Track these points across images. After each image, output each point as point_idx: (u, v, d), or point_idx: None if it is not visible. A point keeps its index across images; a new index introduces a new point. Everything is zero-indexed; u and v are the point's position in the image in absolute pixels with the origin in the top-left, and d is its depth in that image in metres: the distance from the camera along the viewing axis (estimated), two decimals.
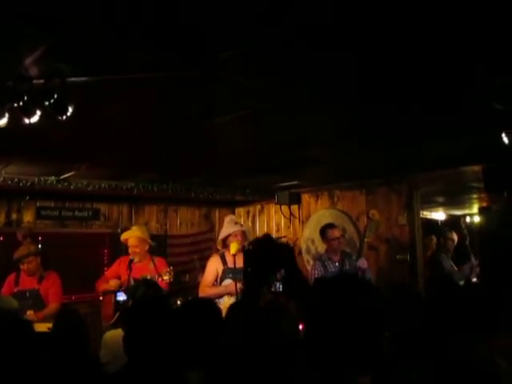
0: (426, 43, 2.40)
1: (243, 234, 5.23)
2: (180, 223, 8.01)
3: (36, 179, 5.63)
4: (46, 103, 2.41)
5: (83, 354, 2.80)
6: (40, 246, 6.44)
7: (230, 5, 2.01)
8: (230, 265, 5.17)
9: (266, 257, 2.01)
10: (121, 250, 7.17)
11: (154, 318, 2.19)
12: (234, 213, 8.35)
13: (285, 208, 7.52)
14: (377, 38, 2.34)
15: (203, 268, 6.92)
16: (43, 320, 4.92)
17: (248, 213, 8.30)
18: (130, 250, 5.61)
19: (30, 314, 5.05)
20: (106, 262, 7.24)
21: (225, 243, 5.35)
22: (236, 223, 5.39)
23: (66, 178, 5.73)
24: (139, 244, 5.60)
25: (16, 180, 5.53)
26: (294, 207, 7.46)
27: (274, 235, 7.25)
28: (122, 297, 4.73)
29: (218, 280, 5.28)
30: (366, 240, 5.31)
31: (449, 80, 2.91)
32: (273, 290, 4.88)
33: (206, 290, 5.24)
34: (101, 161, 5.07)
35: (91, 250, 7.17)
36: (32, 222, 6.70)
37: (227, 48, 2.39)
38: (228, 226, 5.35)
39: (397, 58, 2.58)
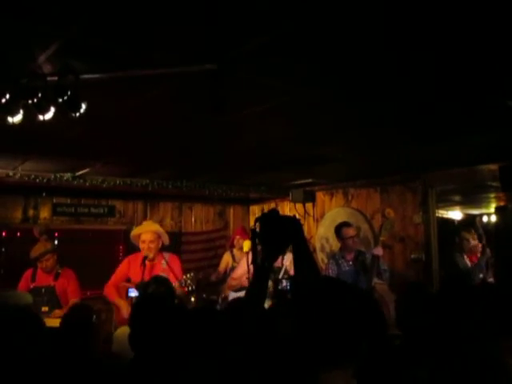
0: (443, 42, 2.37)
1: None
2: (195, 220, 8.04)
3: (52, 176, 5.69)
4: (60, 100, 2.43)
5: (87, 348, 2.80)
6: (56, 242, 6.52)
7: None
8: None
9: (273, 232, 1.93)
10: (134, 246, 7.24)
11: (159, 316, 2.19)
12: (248, 210, 8.37)
13: (299, 206, 7.49)
14: (395, 35, 2.31)
15: (216, 266, 7.03)
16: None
17: (262, 210, 8.29)
18: (142, 247, 5.26)
19: (44, 310, 5.08)
20: (120, 258, 7.29)
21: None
22: None
23: (81, 174, 5.78)
24: (155, 239, 5.28)
25: (33, 177, 5.59)
26: (309, 205, 7.44)
27: None
28: (133, 293, 4.64)
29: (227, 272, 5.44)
30: (381, 239, 5.26)
31: (465, 78, 2.88)
32: (280, 287, 4.93)
33: (232, 282, 5.48)
34: (116, 158, 5.11)
35: (106, 247, 7.23)
36: (48, 218, 6.78)
37: (242, 44, 2.39)
38: None
39: (413, 56, 2.56)
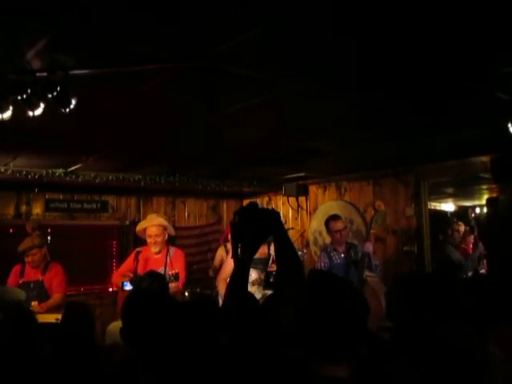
0: (432, 33, 2.38)
1: None
2: (188, 215, 8.04)
3: (44, 172, 5.67)
4: (50, 96, 2.42)
5: (91, 345, 2.83)
6: (49, 238, 6.52)
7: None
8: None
9: (252, 225, 1.94)
10: (128, 241, 7.26)
11: (149, 310, 2.20)
12: (242, 204, 8.36)
13: (292, 200, 7.51)
14: (383, 26, 2.32)
15: (211, 260, 7.01)
16: (47, 311, 4.97)
17: None
18: (149, 241, 5.30)
19: (34, 304, 5.09)
20: (114, 253, 7.31)
21: None
22: None
23: (73, 170, 5.76)
24: (161, 233, 5.32)
25: (24, 172, 5.58)
26: (302, 199, 7.46)
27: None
28: (128, 287, 4.71)
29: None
30: (371, 231, 5.29)
31: (456, 70, 2.89)
32: (272, 280, 4.94)
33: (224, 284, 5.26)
34: (108, 153, 5.10)
35: (100, 242, 7.24)
36: (41, 214, 6.77)
37: (230, 38, 2.38)
38: None
39: (404, 47, 2.56)
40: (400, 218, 6.20)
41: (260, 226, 1.96)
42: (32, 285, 5.29)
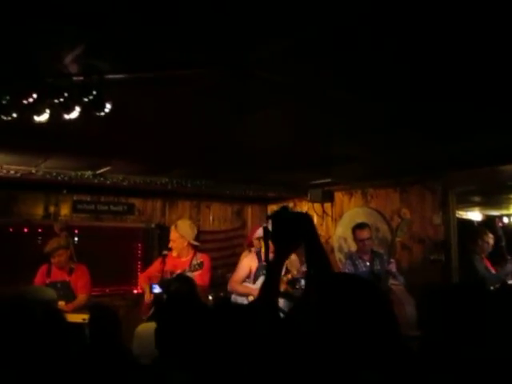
0: (462, 40, 2.36)
1: None
2: (213, 219, 8.07)
3: (73, 174, 5.76)
4: (85, 99, 2.47)
5: (119, 347, 2.86)
6: (76, 238, 6.62)
7: (266, 3, 2.02)
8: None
9: (284, 229, 1.95)
10: (153, 244, 7.33)
11: (185, 314, 2.22)
12: (266, 210, 8.37)
13: (317, 205, 7.49)
14: (414, 35, 2.31)
15: (234, 265, 7.02)
16: (73, 311, 5.05)
17: None
18: (170, 244, 5.70)
19: (61, 304, 5.16)
20: (139, 255, 7.37)
21: (259, 242, 5.42)
22: None
23: (102, 172, 5.84)
24: (177, 239, 5.66)
25: (54, 174, 5.67)
26: (327, 205, 7.43)
27: None
28: (156, 289, 4.86)
29: (251, 277, 5.33)
30: (397, 239, 5.24)
31: (485, 76, 2.86)
32: (297, 287, 4.93)
33: (235, 286, 5.32)
34: (137, 156, 5.16)
35: (125, 244, 7.31)
36: (69, 215, 6.86)
37: (263, 45, 2.40)
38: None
39: (434, 54, 2.55)
40: (427, 226, 6.13)
41: (292, 230, 1.96)
42: (59, 285, 5.37)
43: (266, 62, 2.61)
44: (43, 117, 2.65)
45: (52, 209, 6.80)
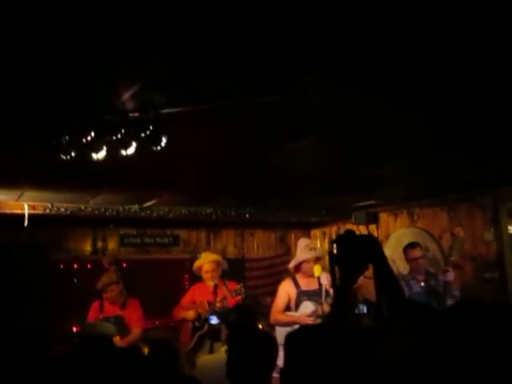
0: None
1: (317, 260, 5.21)
2: (257, 246, 8.06)
3: (121, 208, 5.86)
4: (142, 135, 2.52)
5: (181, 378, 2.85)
6: (124, 272, 6.68)
7: (310, 33, 2.04)
8: (304, 287, 5.18)
9: (350, 253, 1.91)
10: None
11: (251, 342, 2.20)
12: (309, 235, 8.31)
13: (362, 228, 7.38)
14: (458, 52, 2.30)
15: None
16: (128, 345, 5.07)
17: (324, 234, 8.23)
18: (206, 276, 5.73)
19: (116, 339, 5.19)
20: (186, 286, 7.38)
21: (298, 268, 5.36)
22: (310, 249, 5.36)
23: (148, 205, 5.92)
24: (216, 268, 5.74)
25: (102, 210, 5.78)
26: (372, 226, 7.33)
27: None
28: (214, 320, 4.87)
29: (292, 304, 5.25)
30: (452, 259, 5.11)
31: None
32: (356, 312, 4.83)
33: (277, 316, 5.20)
34: (183, 188, 5.22)
35: (172, 275, 7.33)
36: (116, 249, 6.97)
37: (307, 73, 2.43)
38: (302, 252, 5.34)
39: (478, 68, 2.51)
40: (478, 243, 5.96)
41: (359, 254, 1.93)
42: (113, 320, 5.40)
43: (308, 89, 2.62)
44: (101, 154, 2.71)
45: (100, 244, 6.92)
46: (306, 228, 8.30)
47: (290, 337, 2.00)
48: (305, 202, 6.72)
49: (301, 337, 1.93)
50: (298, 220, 7.42)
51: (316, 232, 8.34)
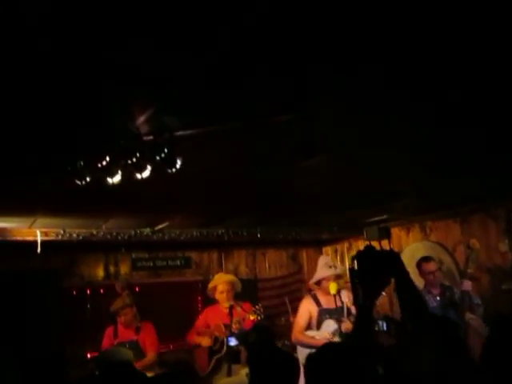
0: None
1: (337, 277, 5.16)
2: (269, 266, 8.02)
3: (133, 232, 5.87)
4: (157, 158, 2.52)
5: None
6: (137, 296, 6.65)
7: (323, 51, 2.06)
8: (325, 305, 5.12)
9: (371, 268, 1.89)
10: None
11: (277, 363, 2.18)
12: (321, 252, 8.27)
13: (374, 243, 7.31)
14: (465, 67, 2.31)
15: (294, 310, 6.89)
16: (143, 370, 5.01)
17: (336, 251, 8.18)
18: (220, 297, 5.61)
19: None
20: (199, 308, 7.34)
21: (318, 285, 5.31)
22: (330, 267, 5.31)
23: (160, 228, 5.92)
24: (231, 289, 5.65)
25: (114, 234, 5.79)
26: (384, 242, 7.24)
27: None
28: (233, 342, 4.84)
29: (313, 322, 5.19)
30: (468, 271, 5.05)
31: None
32: (376, 329, 4.77)
33: (299, 336, 5.10)
34: (194, 210, 5.21)
35: (185, 298, 7.29)
36: (128, 273, 6.96)
37: (328, 90, 2.44)
38: (322, 269, 5.30)
39: (492, 82, 2.52)
40: (493, 254, 5.91)
41: (380, 269, 1.91)
42: (127, 345, 5.36)
43: (322, 107, 2.63)
44: (116, 178, 2.71)
45: (112, 268, 6.91)
46: (317, 245, 8.26)
47: (311, 357, 1.97)
48: (316, 219, 6.70)
49: (323, 356, 1.90)
50: (309, 237, 7.39)
51: (328, 249, 8.29)
